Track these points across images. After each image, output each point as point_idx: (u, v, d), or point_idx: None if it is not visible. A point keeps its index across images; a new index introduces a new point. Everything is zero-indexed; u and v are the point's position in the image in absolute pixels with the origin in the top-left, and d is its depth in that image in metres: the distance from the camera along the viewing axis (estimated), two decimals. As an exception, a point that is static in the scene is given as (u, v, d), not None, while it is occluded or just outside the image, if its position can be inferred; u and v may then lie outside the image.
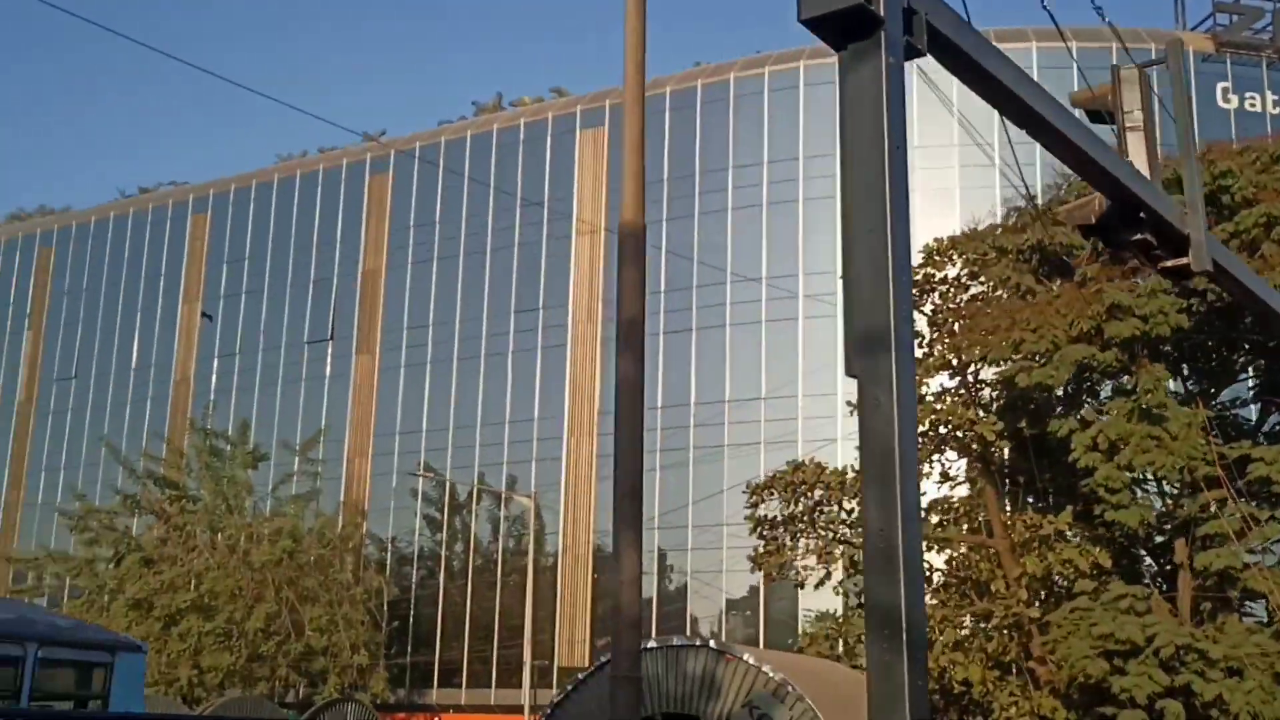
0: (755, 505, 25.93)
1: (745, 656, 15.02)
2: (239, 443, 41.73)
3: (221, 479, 40.30)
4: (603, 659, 16.50)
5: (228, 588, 37.83)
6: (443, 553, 45.64)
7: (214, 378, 51.34)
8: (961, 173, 40.21)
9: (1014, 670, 24.82)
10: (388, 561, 45.95)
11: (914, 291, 26.86)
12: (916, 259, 26.78)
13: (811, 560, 26.04)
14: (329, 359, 49.24)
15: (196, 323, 52.47)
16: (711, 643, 15.67)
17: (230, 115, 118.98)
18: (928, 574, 25.75)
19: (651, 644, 16.06)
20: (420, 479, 46.01)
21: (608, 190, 45.18)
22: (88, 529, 40.53)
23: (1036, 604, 24.22)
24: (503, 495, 44.68)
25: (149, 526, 42.09)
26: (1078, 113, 8.34)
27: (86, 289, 55.63)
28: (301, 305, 50.21)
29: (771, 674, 14.62)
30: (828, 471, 25.76)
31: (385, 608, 42.06)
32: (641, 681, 8.30)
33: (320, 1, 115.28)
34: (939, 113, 41.14)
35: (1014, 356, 23.32)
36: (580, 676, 16.50)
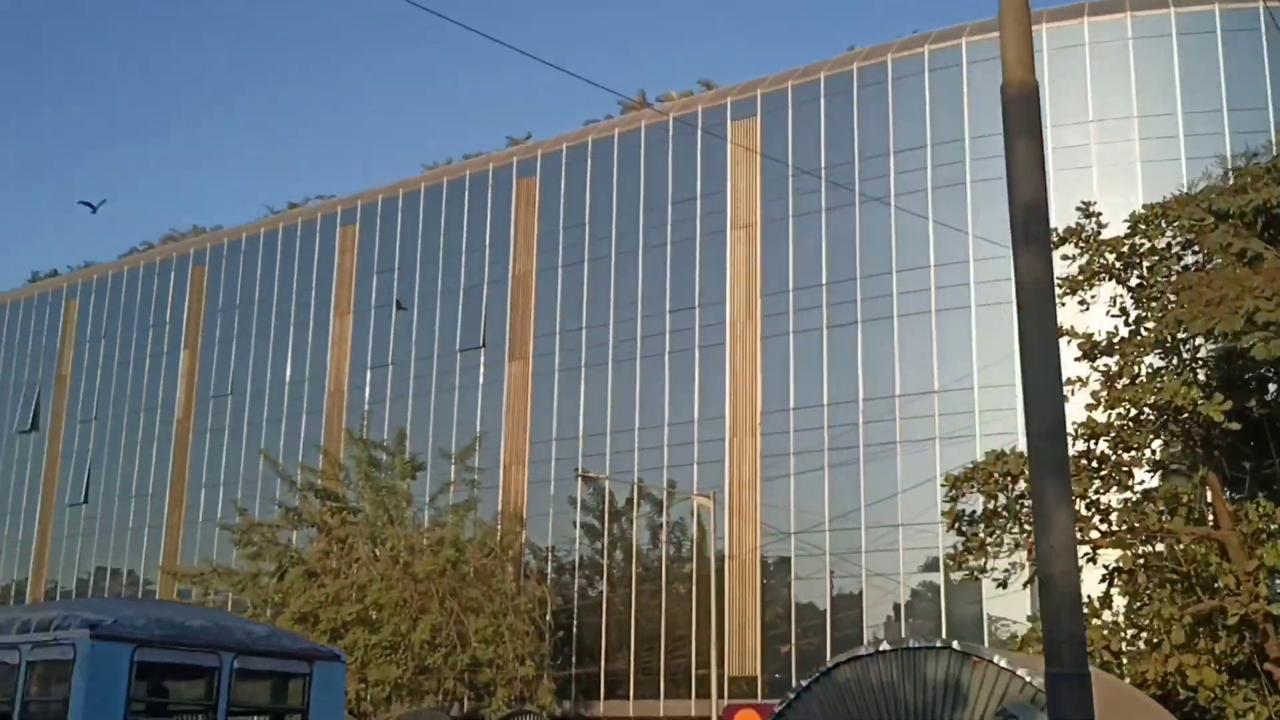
0: (955, 499, 24.10)
1: (996, 659, 13.39)
2: (397, 452, 41.21)
3: (381, 489, 39.77)
4: (830, 663, 15.01)
5: (392, 599, 37.19)
6: (604, 560, 44.53)
7: (367, 389, 51.11)
8: (1143, 145, 37.86)
9: (1246, 673, 22.67)
10: (548, 570, 45.01)
11: (1118, 264, 24.94)
12: (1121, 229, 24.85)
13: (1017, 557, 24.17)
14: (482, 366, 48.58)
15: (349, 334, 52.33)
16: (955, 644, 14.06)
17: (375, 127, 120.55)
18: (1143, 567, 23.76)
19: (884, 646, 14.57)
20: (579, 485, 45.04)
21: (762, 182, 43.72)
22: (250, 543, 40.31)
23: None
24: (664, 500, 43.45)
25: (310, 539, 41.79)
26: None
27: (239, 305, 55.98)
28: (452, 313, 49.68)
29: (1029, 679, 12.96)
30: (1033, 461, 23.84)
31: (549, 618, 41.09)
32: (1089, 680, 6.72)
33: (453, 6, 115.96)
34: (1117, 84, 38.76)
35: (1244, 329, 21.21)
36: (804, 683, 15.04)
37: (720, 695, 40.32)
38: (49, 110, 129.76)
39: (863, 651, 14.76)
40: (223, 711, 12.13)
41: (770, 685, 39.72)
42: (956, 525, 24.43)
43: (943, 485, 24.34)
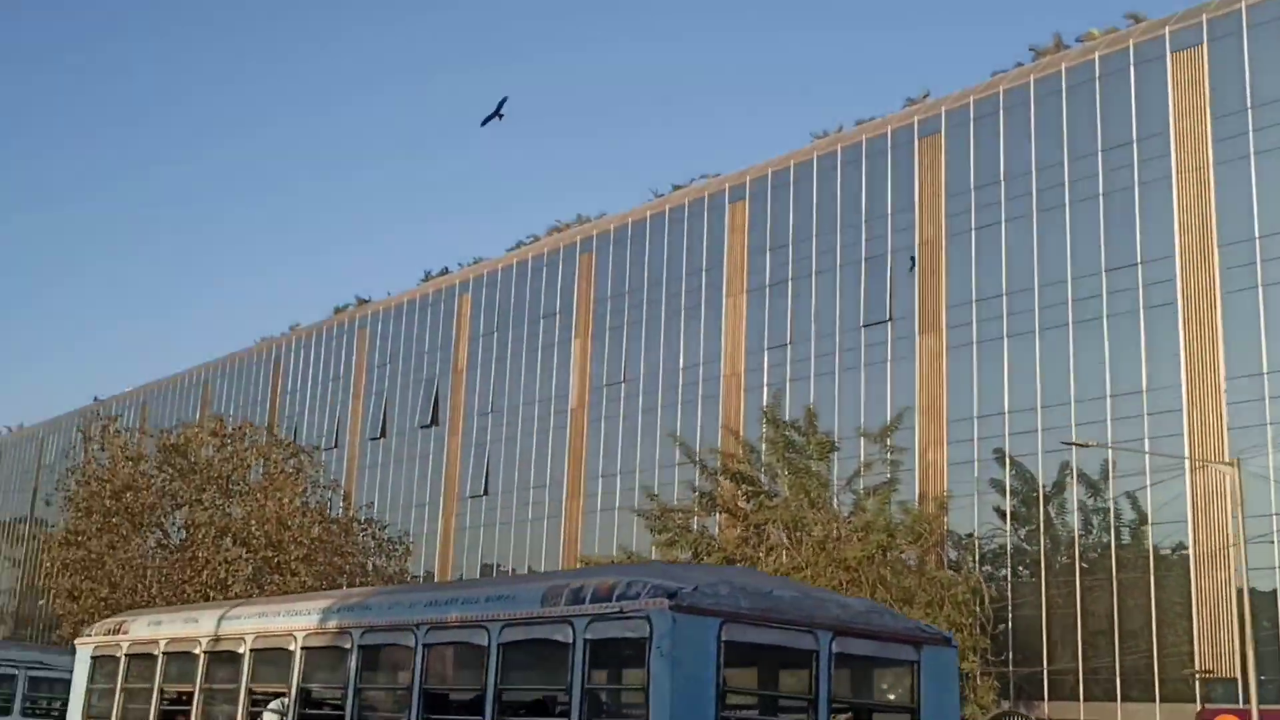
0: None
1: None
2: (809, 433, 38.72)
3: (799, 472, 37.34)
4: None
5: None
6: (1039, 548, 40.45)
7: (765, 370, 48.92)
8: None
9: None
10: (975, 559, 41.37)
11: None
12: None
13: None
14: (889, 342, 45.41)
15: (743, 314, 50.30)
16: None
17: (756, 101, 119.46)
18: None
19: None
20: (1006, 466, 41.23)
21: (1211, 118, 38.58)
22: (665, 529, 38.78)
23: None
24: (1109, 476, 39.05)
25: (720, 525, 39.93)
26: None
27: (629, 291, 55.06)
28: (854, 286, 46.75)
29: None
30: None
31: (986, 609, 37.50)
32: None
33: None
34: None
35: None
36: None
37: (1189, 700, 35.77)
38: (442, 116, 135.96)
39: None
40: (824, 705, 9.60)
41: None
42: None
43: None
